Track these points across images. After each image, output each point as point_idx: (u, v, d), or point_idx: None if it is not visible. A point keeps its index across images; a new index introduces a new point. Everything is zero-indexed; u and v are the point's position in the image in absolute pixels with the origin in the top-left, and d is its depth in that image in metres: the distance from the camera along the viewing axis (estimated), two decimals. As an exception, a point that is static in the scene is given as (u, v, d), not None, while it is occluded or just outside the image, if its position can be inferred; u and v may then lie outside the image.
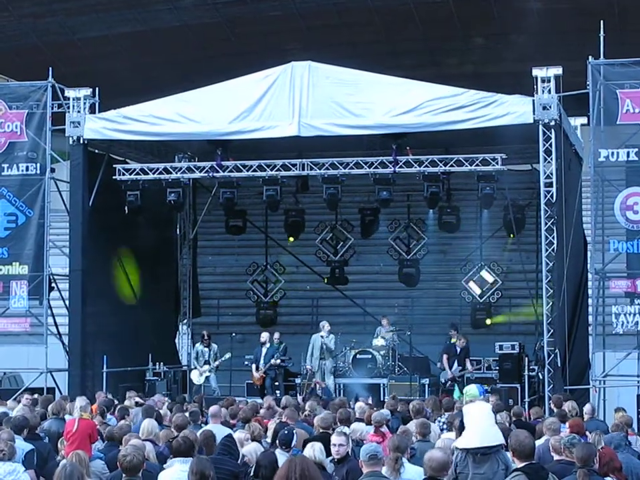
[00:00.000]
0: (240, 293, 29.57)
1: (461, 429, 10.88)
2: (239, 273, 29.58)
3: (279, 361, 24.45)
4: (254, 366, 24.55)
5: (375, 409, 15.84)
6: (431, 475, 9.15)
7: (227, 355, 25.13)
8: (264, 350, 24.56)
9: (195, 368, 25.22)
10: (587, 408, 16.35)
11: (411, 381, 23.93)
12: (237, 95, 22.19)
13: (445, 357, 24.13)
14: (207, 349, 25.21)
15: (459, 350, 24.00)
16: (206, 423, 14.75)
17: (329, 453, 11.19)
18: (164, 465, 10.81)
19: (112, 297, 23.98)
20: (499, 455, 10.10)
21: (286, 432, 11.40)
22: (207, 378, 25.06)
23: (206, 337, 25.39)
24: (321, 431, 12.91)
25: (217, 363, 25.04)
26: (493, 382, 23.71)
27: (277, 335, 25.13)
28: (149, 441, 12.31)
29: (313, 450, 10.39)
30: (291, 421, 14.01)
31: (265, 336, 24.80)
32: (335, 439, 11.09)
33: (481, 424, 10.36)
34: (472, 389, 11.42)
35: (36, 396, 18.61)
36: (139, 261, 25.16)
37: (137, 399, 18.74)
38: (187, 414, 15.16)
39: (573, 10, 30.05)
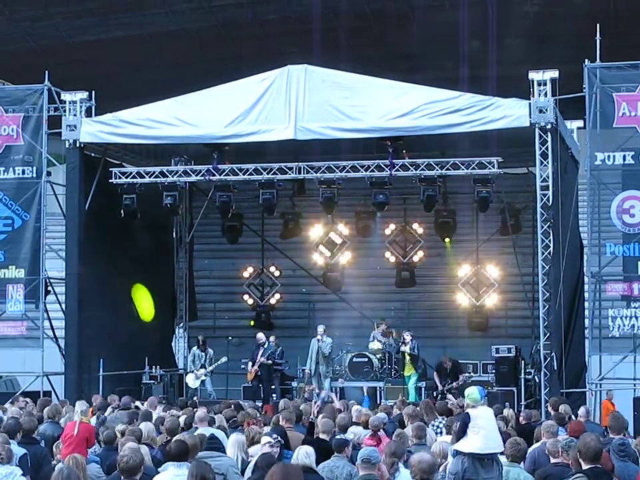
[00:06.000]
0: (236, 297, 29.54)
1: (461, 433, 10.79)
2: (235, 276, 29.55)
3: (270, 361, 24.43)
4: (249, 364, 24.58)
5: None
6: (420, 477, 9.12)
7: (223, 359, 25.07)
8: (260, 352, 24.51)
9: (192, 371, 25.17)
10: (581, 411, 16.26)
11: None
12: (233, 98, 22.19)
13: (435, 374, 24.19)
14: (203, 353, 25.18)
15: (447, 369, 24.05)
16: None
17: (325, 457, 11.22)
18: (158, 469, 10.77)
19: (108, 300, 23.92)
20: (496, 457, 10.34)
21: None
22: (203, 382, 25.04)
23: (201, 342, 25.35)
24: (320, 435, 12.90)
25: (212, 367, 25.00)
26: (489, 385, 23.71)
27: (272, 339, 25.11)
28: (145, 444, 12.29)
29: (298, 454, 10.44)
30: (288, 424, 13.92)
31: (261, 337, 24.75)
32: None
33: (489, 430, 10.57)
34: (474, 393, 11.06)
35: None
36: (135, 264, 25.09)
37: (137, 403, 18.67)
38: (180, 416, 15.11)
39: (569, 13, 30.06)
